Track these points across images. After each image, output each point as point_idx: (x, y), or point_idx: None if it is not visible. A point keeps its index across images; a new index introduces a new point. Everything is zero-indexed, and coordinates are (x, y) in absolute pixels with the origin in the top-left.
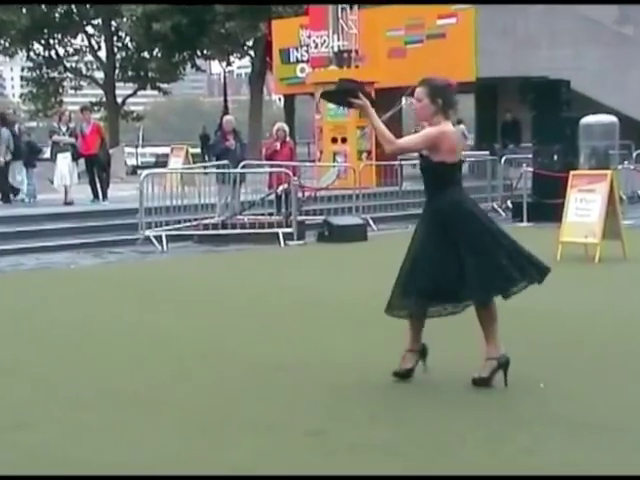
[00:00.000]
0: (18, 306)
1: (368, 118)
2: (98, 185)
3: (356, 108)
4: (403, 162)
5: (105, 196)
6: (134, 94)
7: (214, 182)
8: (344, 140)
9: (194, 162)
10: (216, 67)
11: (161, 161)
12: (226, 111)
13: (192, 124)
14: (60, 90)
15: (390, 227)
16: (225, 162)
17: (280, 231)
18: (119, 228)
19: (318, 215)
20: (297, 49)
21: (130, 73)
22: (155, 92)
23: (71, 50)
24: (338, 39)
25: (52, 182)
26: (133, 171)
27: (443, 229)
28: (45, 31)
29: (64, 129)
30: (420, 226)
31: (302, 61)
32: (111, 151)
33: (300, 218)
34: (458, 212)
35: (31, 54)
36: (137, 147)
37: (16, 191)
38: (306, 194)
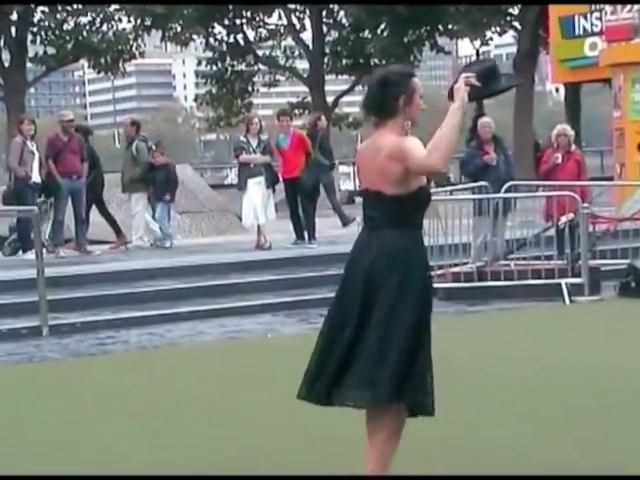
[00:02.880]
0: (197, 393)
1: (455, 111)
2: (303, 221)
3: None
4: None
5: (312, 236)
6: (350, 90)
7: (467, 213)
8: None
9: (444, 185)
10: (465, 47)
11: None
12: (480, 110)
13: (432, 128)
14: (249, 88)
15: None
16: (482, 184)
17: (564, 282)
18: (332, 280)
19: (619, 258)
20: (586, 16)
21: (345, 61)
22: None
23: (264, 33)
24: None
25: (240, 219)
26: (350, 199)
27: None
28: (230, 8)
29: (254, 143)
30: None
31: (593, 33)
32: None
33: (593, 263)
34: None
35: (210, 40)
36: (354, 164)
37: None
38: (601, 227)
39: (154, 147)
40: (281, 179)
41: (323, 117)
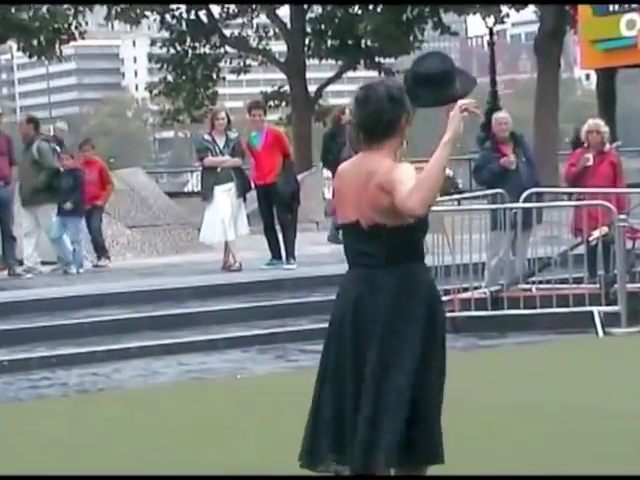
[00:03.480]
0: (152, 447)
1: (445, 146)
2: (280, 236)
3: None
4: None
5: (291, 255)
6: (337, 78)
7: (479, 226)
8: None
9: (451, 192)
10: (476, 26)
11: None
12: (495, 101)
13: (438, 124)
14: (214, 76)
15: None
16: (498, 191)
17: (596, 310)
18: (314, 308)
19: None
20: None
21: (330, 43)
22: (372, 74)
23: (232, 8)
24: None
25: (200, 231)
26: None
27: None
28: None
29: (221, 143)
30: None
31: (631, 9)
32: (300, 177)
33: (631, 286)
34: None
35: (167, 17)
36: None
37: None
38: None
39: (58, 148)
40: (253, 186)
41: (347, 110)
